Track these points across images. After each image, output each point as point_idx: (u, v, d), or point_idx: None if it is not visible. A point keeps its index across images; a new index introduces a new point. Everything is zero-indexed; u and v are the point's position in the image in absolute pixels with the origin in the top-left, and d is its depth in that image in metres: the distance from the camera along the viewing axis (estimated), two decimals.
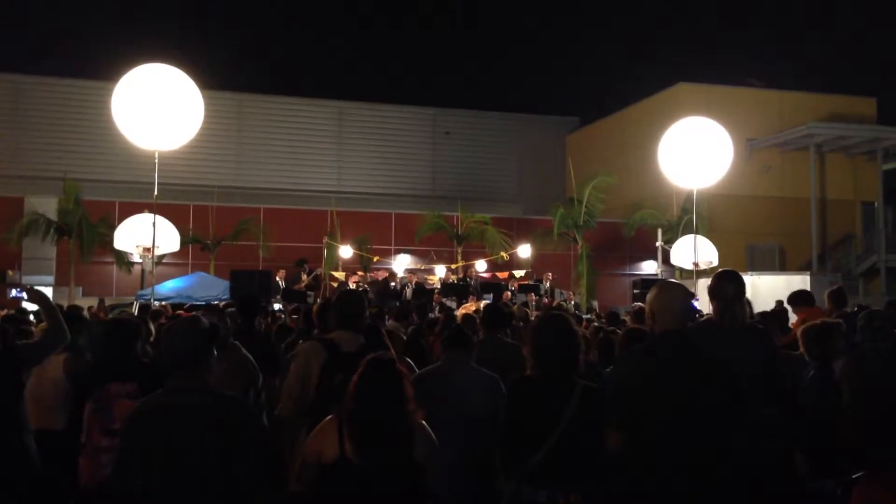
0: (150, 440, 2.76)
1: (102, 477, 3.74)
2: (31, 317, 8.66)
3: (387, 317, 8.55)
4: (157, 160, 10.64)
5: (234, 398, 2.98)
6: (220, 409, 2.85)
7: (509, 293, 17.00)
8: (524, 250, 21.40)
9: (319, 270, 17.70)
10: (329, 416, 2.95)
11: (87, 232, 19.89)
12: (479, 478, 3.84)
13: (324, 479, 2.80)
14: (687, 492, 2.94)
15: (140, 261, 17.30)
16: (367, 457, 2.76)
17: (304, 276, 16.49)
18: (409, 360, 4.80)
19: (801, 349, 4.92)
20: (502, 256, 20.95)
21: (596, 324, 8.45)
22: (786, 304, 8.13)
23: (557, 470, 3.17)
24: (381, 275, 18.67)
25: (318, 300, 11.91)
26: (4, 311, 10.38)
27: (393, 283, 17.41)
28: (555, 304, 15.18)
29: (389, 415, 2.80)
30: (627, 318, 8.42)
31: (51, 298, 4.69)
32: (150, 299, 12.92)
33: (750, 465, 3.16)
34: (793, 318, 7.74)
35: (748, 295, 4.34)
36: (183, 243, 15.91)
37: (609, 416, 3.15)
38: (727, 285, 3.90)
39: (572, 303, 18.17)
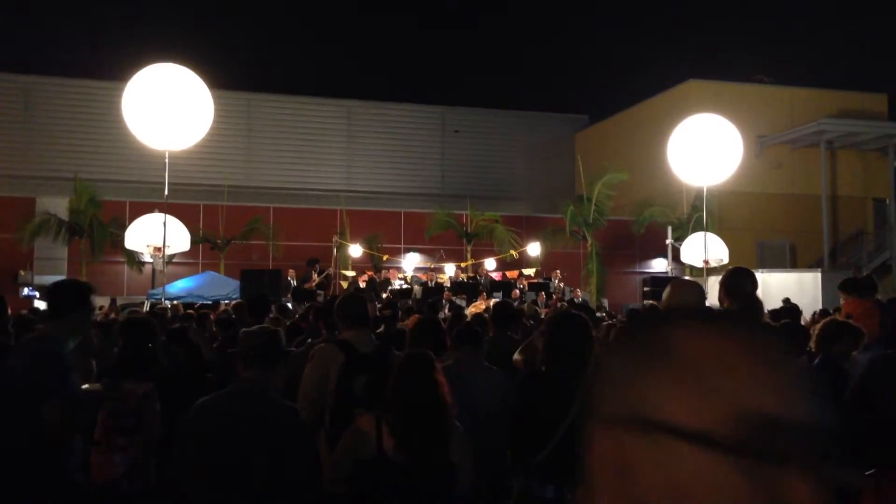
0: (207, 441, 2.79)
1: (116, 475, 3.76)
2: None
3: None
4: (167, 160, 10.67)
5: (290, 407, 3.01)
6: (275, 416, 2.88)
7: (518, 291, 16.98)
8: (534, 248, 21.36)
9: (331, 270, 17.72)
10: (367, 415, 2.96)
11: (98, 232, 20.01)
12: (491, 474, 3.84)
13: (359, 476, 2.81)
14: None
15: (151, 260, 17.38)
16: (407, 455, 2.78)
17: (315, 276, 16.53)
18: None
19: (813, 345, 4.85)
20: (512, 254, 20.91)
21: (607, 322, 8.43)
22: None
23: (565, 465, 3.17)
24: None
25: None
26: None
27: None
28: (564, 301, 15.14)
29: (431, 413, 2.82)
30: None
31: None
32: (161, 299, 13.00)
33: None
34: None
35: (758, 292, 4.30)
36: (193, 243, 15.96)
37: None
38: (745, 282, 3.84)
39: (579, 300, 18.13)
